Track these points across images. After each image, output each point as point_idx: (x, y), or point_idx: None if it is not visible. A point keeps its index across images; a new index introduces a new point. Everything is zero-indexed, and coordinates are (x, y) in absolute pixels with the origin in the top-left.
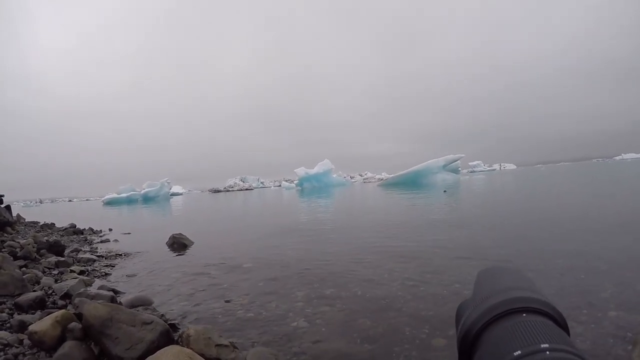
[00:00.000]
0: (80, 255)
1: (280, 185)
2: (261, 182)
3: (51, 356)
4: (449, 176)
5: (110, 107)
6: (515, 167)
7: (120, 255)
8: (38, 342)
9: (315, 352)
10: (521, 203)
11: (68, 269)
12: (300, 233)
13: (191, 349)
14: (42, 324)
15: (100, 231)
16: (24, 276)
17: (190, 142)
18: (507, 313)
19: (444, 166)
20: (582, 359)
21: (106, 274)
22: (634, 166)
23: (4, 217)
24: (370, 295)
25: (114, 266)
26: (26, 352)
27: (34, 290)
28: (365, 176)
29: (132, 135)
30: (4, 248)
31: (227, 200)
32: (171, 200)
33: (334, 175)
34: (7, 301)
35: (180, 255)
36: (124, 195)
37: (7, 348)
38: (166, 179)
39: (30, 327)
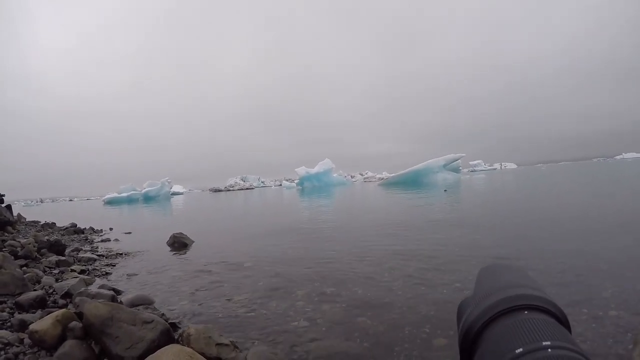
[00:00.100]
0: (81, 255)
1: (281, 185)
2: (262, 182)
3: (52, 355)
4: (449, 175)
5: (110, 107)
6: (516, 166)
7: (121, 254)
8: (39, 341)
9: (315, 351)
10: (522, 202)
11: (69, 268)
12: (301, 232)
13: (192, 348)
14: (43, 323)
15: (101, 230)
16: (24, 275)
17: (190, 141)
18: (509, 310)
19: (445, 165)
20: (584, 357)
21: (107, 273)
22: (635, 166)
23: (5, 216)
24: (371, 294)
25: (114, 265)
26: (27, 351)
27: (35, 290)
28: (365, 175)
29: (132, 135)
30: (4, 247)
31: (228, 199)
32: (172, 199)
33: (335, 175)
34: (7, 300)
35: (180, 254)
36: (124, 194)
37: (7, 347)
38: (167, 178)
39: (31, 326)
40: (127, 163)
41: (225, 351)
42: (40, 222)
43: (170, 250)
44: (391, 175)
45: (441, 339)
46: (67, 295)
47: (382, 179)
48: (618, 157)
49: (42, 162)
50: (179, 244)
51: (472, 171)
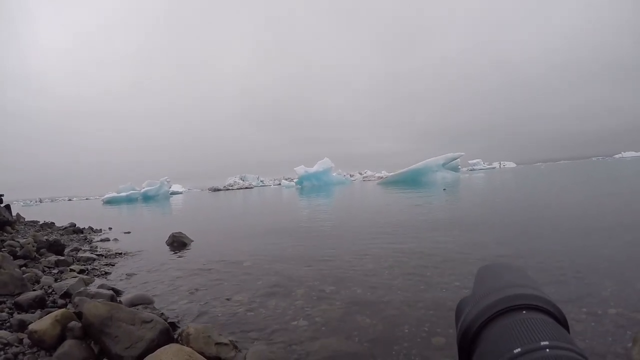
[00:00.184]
0: (80, 254)
1: (280, 184)
2: (261, 181)
3: (51, 355)
4: (448, 174)
5: (110, 107)
6: (515, 165)
7: (120, 254)
8: (38, 341)
9: (314, 350)
10: (520, 201)
11: (68, 268)
12: (300, 231)
13: (191, 347)
14: (42, 323)
15: (100, 230)
16: (23, 275)
17: (189, 141)
18: (507, 310)
19: (444, 164)
20: (582, 357)
21: (106, 273)
22: (633, 165)
23: (4, 216)
24: (370, 293)
25: (113, 265)
26: (26, 351)
27: (34, 290)
28: (365, 174)
29: (132, 135)
30: (3, 247)
31: (227, 199)
32: (171, 199)
33: (334, 174)
34: (7, 300)
35: (180, 253)
36: (123, 194)
37: (7, 347)
38: (166, 177)
39: (30, 326)
40: (126, 163)
41: (225, 350)
42: (39, 222)
43: (170, 250)
44: (390, 174)
45: (440, 337)
46: (67, 295)
47: (381, 178)
48: (617, 156)
49: (42, 162)
50: (178, 243)
51: (471, 170)
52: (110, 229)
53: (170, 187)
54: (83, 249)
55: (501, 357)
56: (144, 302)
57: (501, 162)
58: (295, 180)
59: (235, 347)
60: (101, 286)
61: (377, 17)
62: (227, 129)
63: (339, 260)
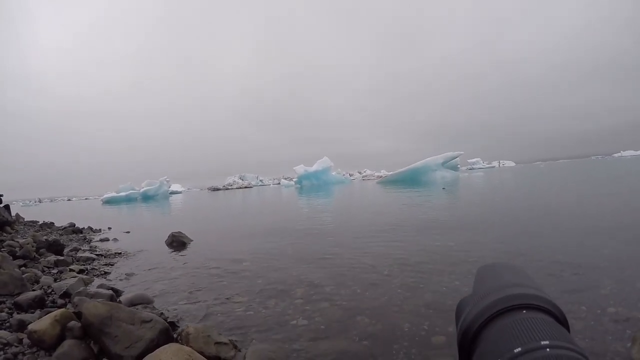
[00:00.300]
0: (80, 254)
1: (279, 184)
2: (260, 180)
3: (51, 355)
4: (448, 173)
5: (110, 107)
6: (514, 164)
7: (120, 253)
8: (37, 341)
9: (314, 349)
10: (520, 200)
11: (67, 268)
12: (299, 231)
13: (190, 347)
14: (42, 323)
15: (100, 230)
16: (23, 275)
17: (189, 140)
18: (507, 310)
19: (443, 163)
20: (582, 356)
21: (105, 273)
22: (633, 164)
23: (3, 216)
24: (370, 292)
25: (113, 265)
26: (26, 351)
27: (34, 290)
28: (364, 174)
29: (132, 135)
30: (3, 247)
31: (226, 198)
32: (170, 198)
33: (333, 173)
34: (6, 300)
35: (179, 253)
36: (123, 194)
37: (6, 347)
38: (165, 177)
39: (30, 326)
40: (126, 162)
41: (224, 350)
42: (38, 222)
43: (169, 250)
44: (390, 173)
45: (440, 336)
46: (66, 295)
47: (381, 177)
48: (616, 154)
49: (42, 162)
50: (177, 243)
51: (470, 169)
52: (109, 228)
53: (169, 187)
54: (82, 248)
55: (501, 357)
56: (144, 301)
57: (500, 161)
58: (294, 179)
59: (235, 347)
60: (101, 286)
61: (377, 17)
62: (227, 129)
63: (338, 260)
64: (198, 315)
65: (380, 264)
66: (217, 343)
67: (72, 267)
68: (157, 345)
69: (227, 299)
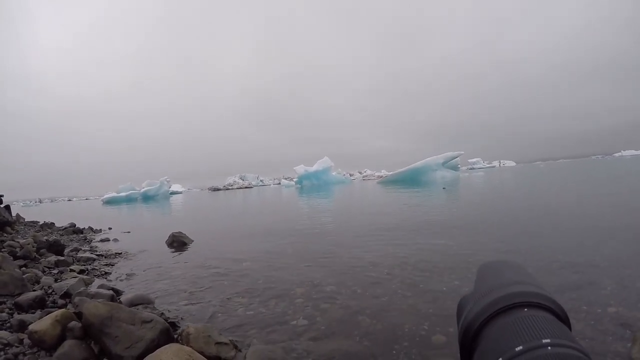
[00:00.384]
0: (80, 255)
1: (279, 184)
2: (260, 180)
3: (51, 355)
4: (448, 173)
5: (110, 107)
6: (514, 164)
7: (120, 254)
8: (38, 342)
9: (314, 349)
10: (520, 200)
11: (68, 268)
12: (300, 231)
13: (191, 347)
14: (42, 323)
15: (100, 230)
16: (23, 276)
17: (189, 140)
18: (509, 308)
19: (444, 163)
20: (584, 354)
21: (106, 273)
22: (633, 163)
23: (4, 216)
24: (370, 292)
25: (113, 265)
26: (26, 352)
27: (34, 290)
28: (364, 174)
29: (132, 135)
30: (3, 248)
31: (227, 198)
32: (171, 198)
33: (334, 173)
34: (7, 301)
35: (180, 253)
36: (123, 194)
37: (7, 347)
38: (166, 177)
39: (30, 327)
40: (126, 163)
41: (225, 350)
42: (39, 222)
43: (170, 250)
44: (390, 173)
45: (440, 336)
46: (67, 295)
47: (381, 177)
48: (616, 154)
49: (42, 162)
50: (178, 243)
51: (470, 169)
52: (110, 229)
53: (170, 187)
54: (83, 249)
55: (503, 355)
56: (144, 302)
57: (501, 161)
58: (295, 179)
59: (235, 347)
60: (101, 286)
61: (377, 17)
62: (227, 129)
63: (338, 259)
64: (198, 315)
65: (381, 264)
66: (217, 343)
67: (72, 267)
68: (158, 346)
69: (228, 299)
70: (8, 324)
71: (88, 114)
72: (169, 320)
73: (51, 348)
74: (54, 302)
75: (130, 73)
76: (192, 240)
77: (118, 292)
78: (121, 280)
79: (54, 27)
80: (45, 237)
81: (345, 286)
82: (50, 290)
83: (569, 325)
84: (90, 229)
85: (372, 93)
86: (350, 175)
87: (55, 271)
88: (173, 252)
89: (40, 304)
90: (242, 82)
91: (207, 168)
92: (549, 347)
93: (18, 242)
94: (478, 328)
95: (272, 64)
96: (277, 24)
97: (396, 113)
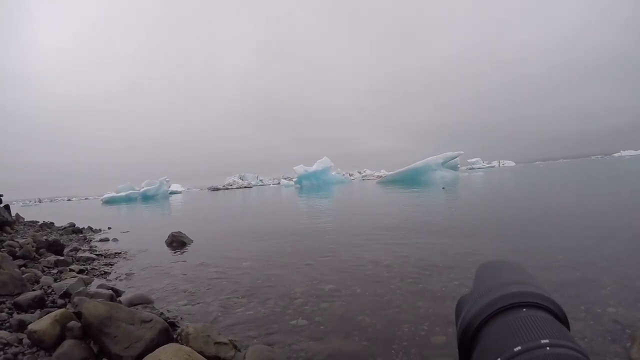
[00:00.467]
0: (80, 254)
1: (279, 183)
2: (260, 180)
3: (50, 355)
4: (447, 173)
5: (110, 107)
6: (514, 164)
7: (120, 253)
8: (37, 341)
9: (314, 349)
10: (519, 200)
11: (67, 268)
12: (299, 231)
13: (190, 347)
14: (42, 323)
15: (100, 230)
16: (23, 275)
17: (189, 140)
18: (507, 308)
19: (443, 163)
20: (582, 355)
21: (105, 273)
22: (633, 163)
23: (3, 216)
24: (369, 292)
25: (113, 265)
26: (26, 351)
27: (33, 290)
28: (364, 174)
29: (132, 135)
30: (3, 247)
31: (226, 198)
32: (170, 198)
33: (333, 173)
34: (6, 300)
35: (179, 253)
36: (122, 194)
37: (6, 347)
38: (165, 177)
39: (30, 326)
40: (126, 162)
41: (224, 350)
42: (38, 222)
43: (169, 249)
44: (389, 173)
45: (439, 336)
46: (66, 295)
47: (381, 177)
48: (616, 154)
49: (42, 162)
50: (177, 243)
51: (470, 169)
52: (109, 228)
53: (169, 187)
54: (82, 248)
55: (501, 355)
56: (144, 301)
57: (500, 161)
58: (294, 179)
59: (235, 347)
60: (100, 286)
61: (377, 17)
62: (227, 129)
63: (338, 259)
64: (198, 315)
65: (380, 264)
66: (216, 343)
67: (72, 267)
68: (157, 345)
69: (227, 298)
70: (7, 324)
71: (88, 114)
72: (168, 320)
73: (50, 348)
74: (53, 301)
75: (130, 73)
76: (192, 240)
77: (117, 292)
78: (120, 280)
79: (54, 27)
80: (45, 237)
81: (345, 286)
82: (49, 290)
83: (567, 326)
84: (90, 228)
85: (372, 93)
86: (350, 175)
87: (55, 271)
88: (172, 251)
89: (40, 304)
90: (242, 82)
91: (206, 168)
92: (548, 348)
93: (17, 241)
94: (477, 328)
95: (272, 64)
96: (277, 24)
97: (396, 113)
